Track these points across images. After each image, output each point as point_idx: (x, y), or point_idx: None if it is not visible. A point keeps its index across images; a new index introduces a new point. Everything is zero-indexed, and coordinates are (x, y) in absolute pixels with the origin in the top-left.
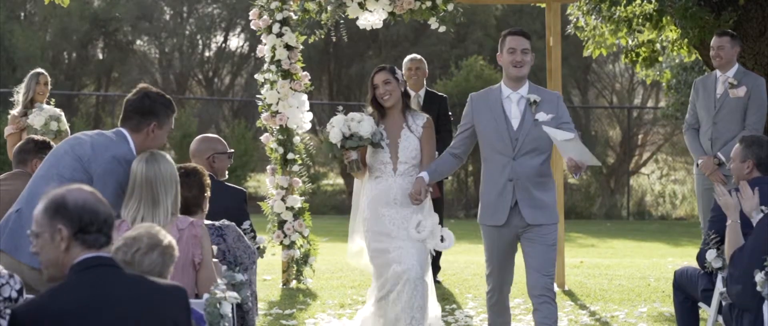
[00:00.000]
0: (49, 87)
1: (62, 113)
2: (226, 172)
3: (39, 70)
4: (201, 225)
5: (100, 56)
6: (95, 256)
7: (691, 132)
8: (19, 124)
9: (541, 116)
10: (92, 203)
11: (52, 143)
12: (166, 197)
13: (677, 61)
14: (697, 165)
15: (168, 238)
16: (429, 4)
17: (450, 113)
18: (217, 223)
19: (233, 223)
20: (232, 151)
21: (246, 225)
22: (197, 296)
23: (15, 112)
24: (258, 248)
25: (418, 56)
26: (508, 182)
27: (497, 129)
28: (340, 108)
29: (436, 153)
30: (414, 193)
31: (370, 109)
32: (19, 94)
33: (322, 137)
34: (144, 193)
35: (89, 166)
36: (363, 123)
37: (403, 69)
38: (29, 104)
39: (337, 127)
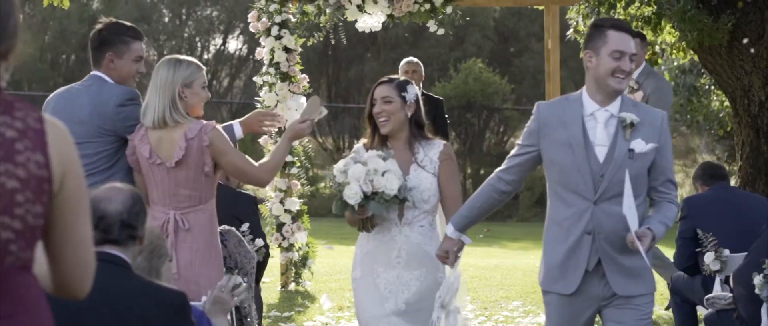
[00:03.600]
0: None
1: None
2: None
3: None
4: (208, 132)
5: None
6: (99, 251)
7: None
8: None
9: (638, 145)
10: (98, 202)
11: None
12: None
13: (675, 63)
14: None
15: (153, 242)
16: (428, 6)
17: (446, 116)
18: (218, 229)
19: (234, 229)
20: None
21: (244, 227)
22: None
23: None
24: (259, 250)
25: (415, 59)
26: (584, 236)
27: (574, 159)
28: (357, 147)
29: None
30: (441, 255)
31: (363, 141)
32: None
33: (330, 185)
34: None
35: (107, 127)
36: (389, 175)
37: (399, 72)
38: None
39: (354, 181)
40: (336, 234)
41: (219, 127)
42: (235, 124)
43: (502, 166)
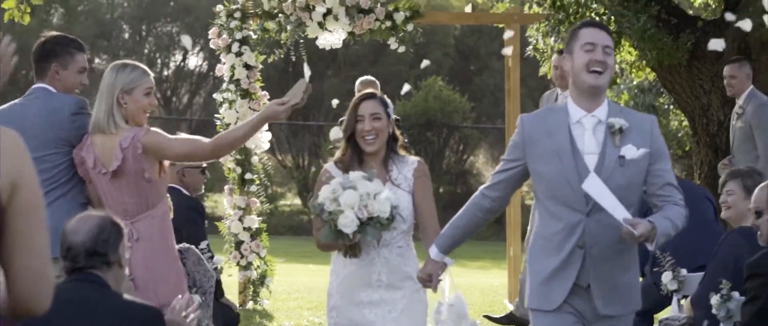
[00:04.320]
0: None
1: None
2: (202, 188)
3: None
4: (141, 139)
5: None
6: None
7: None
8: None
9: (629, 151)
10: (66, 234)
11: None
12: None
13: (635, 82)
14: None
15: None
16: (388, 24)
17: (404, 135)
18: (177, 247)
19: (193, 247)
20: (205, 165)
21: (203, 244)
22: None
23: None
24: (215, 268)
25: (371, 78)
26: (576, 250)
27: (562, 169)
28: (328, 167)
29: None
30: (424, 278)
31: (332, 160)
32: None
33: (316, 213)
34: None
35: (62, 137)
36: (381, 197)
37: (355, 91)
38: None
39: (348, 209)
40: (295, 253)
41: (155, 130)
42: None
43: (487, 183)
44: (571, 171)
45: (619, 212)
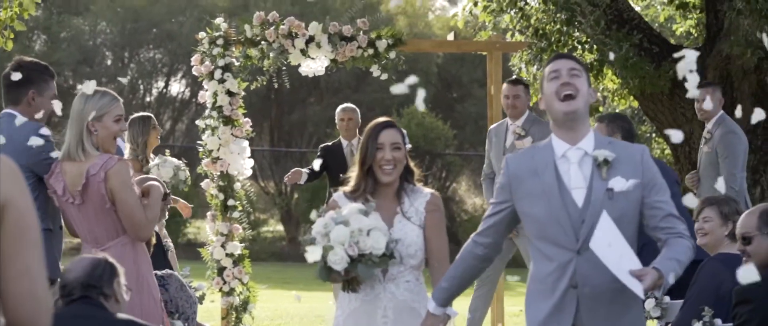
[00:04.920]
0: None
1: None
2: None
3: (147, 113)
4: (109, 168)
5: None
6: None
7: (487, 181)
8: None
9: (618, 183)
10: (62, 275)
11: None
12: (71, 129)
13: (617, 110)
14: None
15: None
16: (371, 51)
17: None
18: (159, 273)
19: (176, 273)
20: (169, 192)
21: (186, 271)
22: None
23: (127, 156)
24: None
25: (352, 106)
26: (569, 290)
27: (550, 208)
28: (337, 196)
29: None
30: None
31: (343, 189)
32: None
33: (305, 251)
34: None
35: (23, 163)
36: (375, 234)
37: (336, 119)
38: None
39: (338, 246)
40: (277, 278)
41: (126, 162)
42: None
43: (478, 229)
44: (559, 209)
45: (626, 263)
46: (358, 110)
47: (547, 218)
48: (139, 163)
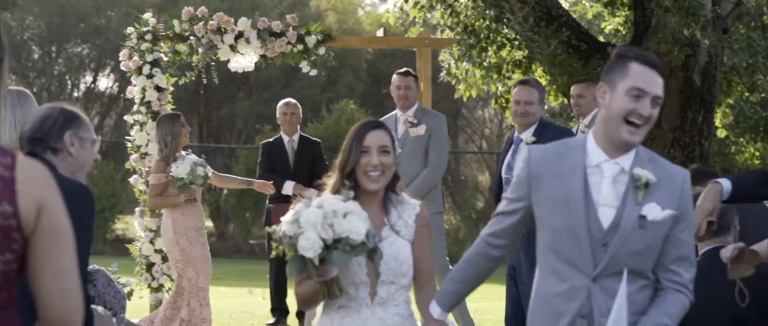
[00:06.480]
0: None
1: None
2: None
3: (176, 112)
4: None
5: None
6: None
7: None
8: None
9: (652, 211)
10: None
11: None
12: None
13: (546, 107)
14: None
15: None
16: (300, 47)
17: (325, 158)
18: (87, 268)
19: (103, 269)
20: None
21: (114, 266)
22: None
23: (157, 157)
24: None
25: (294, 101)
26: (578, 319)
27: (570, 220)
28: (312, 196)
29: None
30: None
31: (326, 192)
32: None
33: (276, 242)
34: None
35: None
36: (351, 217)
37: (277, 113)
38: (172, 153)
39: (309, 228)
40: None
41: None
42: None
43: (490, 229)
44: (580, 222)
45: None
46: (299, 106)
47: (564, 230)
48: (166, 162)
